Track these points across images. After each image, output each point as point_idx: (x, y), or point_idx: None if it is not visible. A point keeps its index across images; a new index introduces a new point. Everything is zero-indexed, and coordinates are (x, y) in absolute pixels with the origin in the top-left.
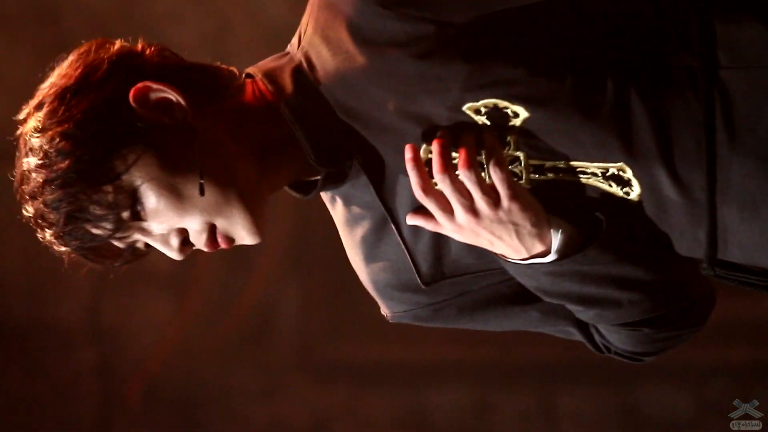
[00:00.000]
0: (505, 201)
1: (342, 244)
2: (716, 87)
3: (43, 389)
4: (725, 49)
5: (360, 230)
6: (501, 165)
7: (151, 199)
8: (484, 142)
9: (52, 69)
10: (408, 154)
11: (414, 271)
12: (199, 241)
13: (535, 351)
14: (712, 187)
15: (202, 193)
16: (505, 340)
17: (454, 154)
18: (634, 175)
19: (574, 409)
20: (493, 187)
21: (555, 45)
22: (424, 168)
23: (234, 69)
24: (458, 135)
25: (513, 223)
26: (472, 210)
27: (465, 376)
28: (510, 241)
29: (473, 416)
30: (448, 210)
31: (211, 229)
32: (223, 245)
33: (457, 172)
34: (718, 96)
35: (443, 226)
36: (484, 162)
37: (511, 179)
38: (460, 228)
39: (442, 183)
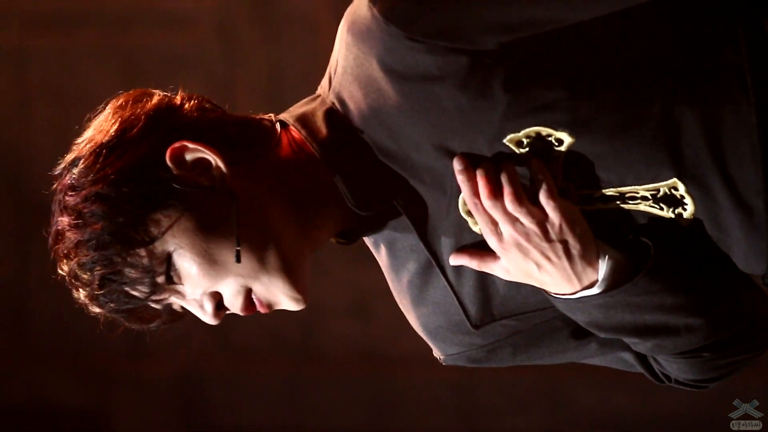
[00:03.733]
0: (553, 216)
1: None
2: (767, 85)
3: None
4: None
5: (406, 274)
6: (548, 183)
7: (185, 264)
8: (530, 164)
9: (90, 121)
10: (458, 165)
11: (462, 313)
12: (234, 305)
13: None
14: None
15: (238, 260)
16: None
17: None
18: (687, 191)
19: None
20: (541, 207)
21: (594, 63)
22: (475, 177)
23: (272, 117)
24: (499, 164)
25: (562, 242)
26: (522, 229)
27: None
28: (559, 262)
29: None
30: (496, 224)
31: (247, 293)
32: (261, 310)
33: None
34: None
35: (490, 243)
36: (531, 180)
37: (557, 195)
38: (507, 249)
39: (492, 210)
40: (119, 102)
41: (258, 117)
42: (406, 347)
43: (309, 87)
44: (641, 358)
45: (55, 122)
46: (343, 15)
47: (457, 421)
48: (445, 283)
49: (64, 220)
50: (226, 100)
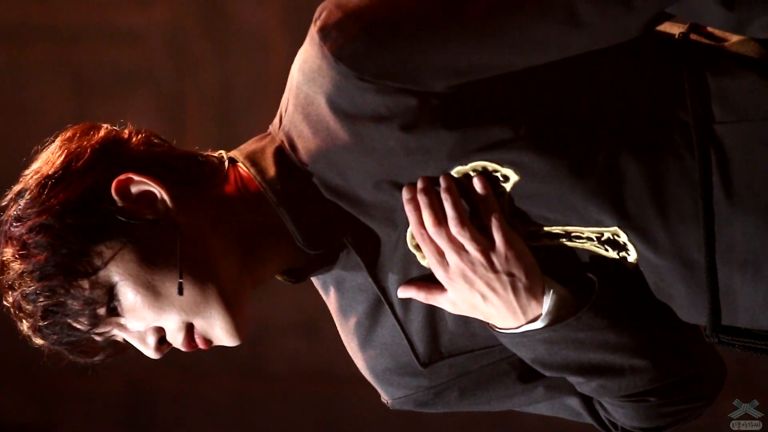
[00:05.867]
0: (500, 246)
1: None
2: (711, 142)
3: None
4: (719, 103)
5: (354, 316)
6: (494, 210)
7: (128, 296)
8: (476, 189)
9: (38, 153)
10: (406, 195)
11: (411, 352)
12: (176, 340)
13: None
14: (711, 247)
15: (180, 292)
16: None
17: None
18: (629, 239)
19: None
20: (487, 235)
21: (542, 108)
22: (420, 208)
23: (222, 153)
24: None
25: (507, 274)
26: (468, 258)
27: None
28: (505, 294)
29: None
30: (443, 254)
31: (188, 329)
32: (201, 346)
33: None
34: (714, 152)
35: (437, 274)
36: (478, 208)
37: (505, 225)
38: (453, 279)
39: (437, 237)
40: (67, 135)
41: (206, 153)
42: (354, 366)
43: (259, 103)
44: (588, 404)
45: (4, 136)
46: (294, 32)
47: None
48: (394, 320)
49: (8, 251)
50: (177, 115)
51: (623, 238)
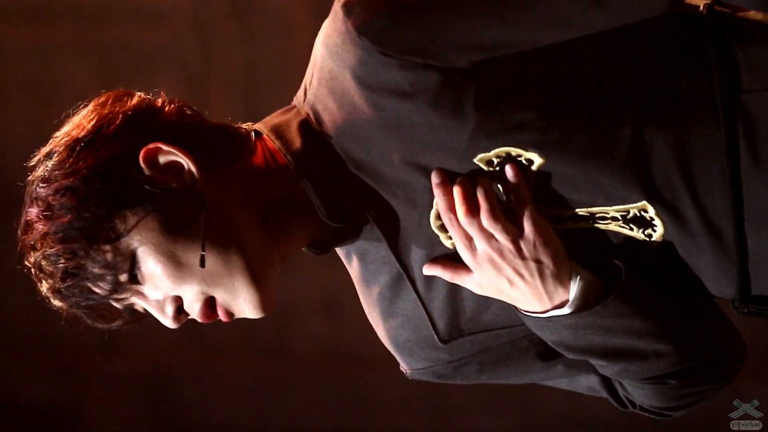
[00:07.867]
0: (529, 234)
1: None
2: (738, 112)
3: None
4: (746, 72)
5: (377, 286)
6: (524, 198)
7: (149, 264)
8: (507, 176)
9: (69, 117)
10: (435, 179)
11: (431, 327)
12: (192, 310)
13: None
14: (739, 215)
15: (202, 264)
16: None
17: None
18: (657, 213)
19: None
20: (516, 223)
21: (566, 85)
22: (452, 193)
23: (249, 126)
24: (475, 180)
25: (535, 260)
26: (497, 245)
27: None
28: (532, 280)
29: None
30: (471, 239)
31: (207, 300)
32: (223, 318)
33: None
34: (741, 121)
35: (464, 258)
36: (504, 196)
37: (534, 213)
38: (480, 264)
39: (468, 226)
40: (100, 100)
41: (235, 126)
42: (377, 346)
43: (284, 83)
44: (606, 382)
45: (30, 116)
46: (319, 12)
47: (427, 420)
48: (415, 296)
49: (33, 211)
50: (202, 95)
51: (650, 212)
